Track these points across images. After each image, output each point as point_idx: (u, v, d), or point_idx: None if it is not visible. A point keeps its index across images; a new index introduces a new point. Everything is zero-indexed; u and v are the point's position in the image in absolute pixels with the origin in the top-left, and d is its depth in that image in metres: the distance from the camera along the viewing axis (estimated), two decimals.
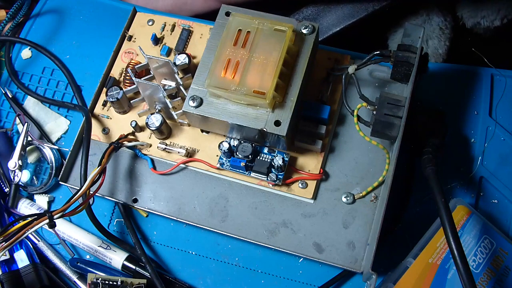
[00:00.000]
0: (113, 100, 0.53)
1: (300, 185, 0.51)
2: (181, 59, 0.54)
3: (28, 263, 0.54)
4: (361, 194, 0.50)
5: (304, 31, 0.50)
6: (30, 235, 0.54)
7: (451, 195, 0.52)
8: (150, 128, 0.52)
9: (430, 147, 0.49)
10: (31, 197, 0.59)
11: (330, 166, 0.52)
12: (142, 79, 0.53)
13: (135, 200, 0.53)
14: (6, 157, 0.58)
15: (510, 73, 0.57)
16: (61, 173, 0.54)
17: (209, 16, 0.62)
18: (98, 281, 0.50)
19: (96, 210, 0.52)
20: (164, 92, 0.51)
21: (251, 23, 0.50)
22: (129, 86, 0.55)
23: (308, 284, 0.52)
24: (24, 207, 0.57)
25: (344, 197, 0.50)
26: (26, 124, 0.58)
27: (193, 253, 0.55)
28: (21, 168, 0.57)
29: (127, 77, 0.57)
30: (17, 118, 0.60)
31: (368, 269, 0.45)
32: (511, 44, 0.70)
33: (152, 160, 0.54)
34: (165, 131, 0.53)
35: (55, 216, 0.45)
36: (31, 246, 0.56)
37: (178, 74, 0.53)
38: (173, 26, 0.59)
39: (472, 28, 0.68)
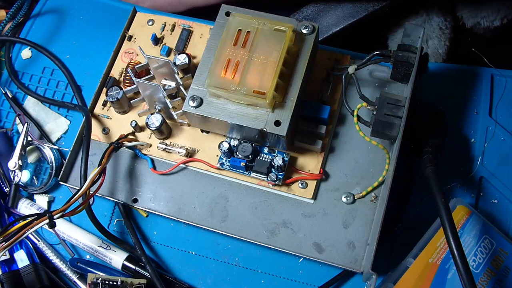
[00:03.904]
0: (113, 100, 0.53)
1: (300, 185, 0.51)
2: (181, 59, 0.54)
3: (28, 263, 0.54)
4: (361, 194, 0.50)
5: (304, 31, 0.50)
6: (30, 235, 0.54)
7: (451, 195, 0.52)
8: (150, 128, 0.52)
9: (430, 147, 0.49)
10: (31, 197, 0.59)
11: (330, 166, 0.52)
12: (142, 79, 0.53)
13: (135, 200, 0.53)
14: (6, 157, 0.58)
15: (510, 73, 0.57)
16: (61, 173, 0.54)
17: (208, 11, 0.61)
18: (98, 281, 0.50)
19: (96, 210, 0.52)
20: (164, 92, 0.51)
21: (251, 23, 0.50)
22: (129, 86, 0.55)
23: (308, 284, 0.52)
24: (24, 207, 0.57)
25: (344, 197, 0.50)
26: (26, 124, 0.58)
27: (193, 253, 0.55)
28: (21, 168, 0.57)
29: (127, 77, 0.57)
30: (17, 118, 0.60)
31: (368, 269, 0.45)
32: (511, 44, 0.70)
33: (152, 160, 0.54)
34: (165, 131, 0.53)
35: (55, 216, 0.45)
36: (31, 246, 0.56)
37: (178, 74, 0.53)
38: (173, 26, 0.59)
39: (472, 28, 0.68)
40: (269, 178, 0.50)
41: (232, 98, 0.48)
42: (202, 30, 0.58)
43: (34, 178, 0.59)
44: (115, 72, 0.58)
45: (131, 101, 0.55)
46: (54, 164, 0.58)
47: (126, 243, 0.55)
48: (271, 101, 0.47)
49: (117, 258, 0.53)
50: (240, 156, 0.50)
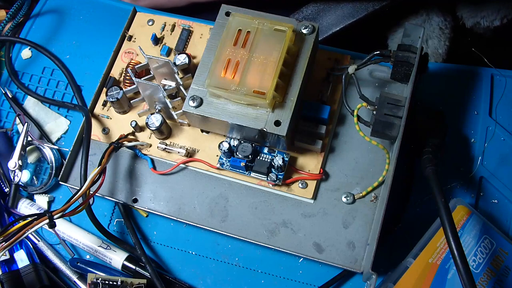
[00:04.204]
0: (113, 100, 0.53)
1: (300, 185, 0.51)
2: (181, 59, 0.54)
3: (28, 263, 0.54)
4: (361, 194, 0.50)
5: (304, 31, 0.50)
6: (30, 235, 0.54)
7: (451, 195, 0.52)
8: (150, 128, 0.52)
9: (430, 147, 0.49)
10: (31, 197, 0.59)
11: (330, 166, 0.52)
12: (142, 79, 0.53)
13: (135, 200, 0.53)
14: (6, 157, 0.58)
15: (510, 73, 0.57)
16: (61, 173, 0.53)
17: (208, 9, 0.61)
18: (98, 281, 0.50)
19: (96, 210, 0.52)
20: (164, 92, 0.51)
21: (251, 23, 0.50)
22: (129, 86, 0.55)
23: (308, 284, 0.52)
24: (24, 207, 0.57)
25: (344, 197, 0.50)
26: (26, 124, 0.58)
27: (193, 253, 0.55)
28: (21, 168, 0.57)
29: (127, 77, 0.57)
30: (17, 118, 0.60)
31: (368, 269, 0.45)
32: (511, 44, 0.70)
33: (152, 160, 0.54)
34: (165, 131, 0.53)
35: (55, 216, 0.45)
36: (31, 246, 0.56)
37: (178, 74, 0.53)
38: (173, 26, 0.59)
39: (472, 28, 0.68)
40: (269, 178, 0.50)
41: (232, 98, 0.48)
42: (202, 30, 0.58)
43: (34, 178, 0.59)
44: (115, 72, 0.58)
45: (131, 101, 0.55)
46: (54, 164, 0.58)
47: (126, 243, 0.55)
48: (271, 101, 0.47)
49: (117, 258, 0.53)
50: (240, 156, 0.50)
